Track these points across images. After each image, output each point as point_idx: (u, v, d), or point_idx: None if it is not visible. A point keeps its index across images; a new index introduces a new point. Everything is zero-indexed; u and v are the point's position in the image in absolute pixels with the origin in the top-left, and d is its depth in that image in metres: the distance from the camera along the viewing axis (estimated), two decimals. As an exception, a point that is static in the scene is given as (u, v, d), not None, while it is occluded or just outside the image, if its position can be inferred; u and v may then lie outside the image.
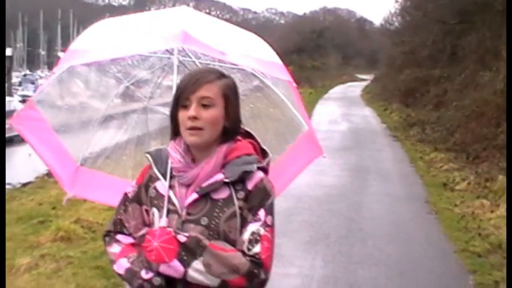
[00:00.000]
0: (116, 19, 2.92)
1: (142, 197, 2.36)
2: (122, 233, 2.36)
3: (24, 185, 12.72)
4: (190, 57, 2.84)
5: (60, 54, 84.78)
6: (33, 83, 72.73)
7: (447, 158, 15.73)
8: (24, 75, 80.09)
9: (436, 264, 7.40)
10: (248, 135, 2.37)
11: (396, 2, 39.56)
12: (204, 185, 2.22)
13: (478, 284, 6.61)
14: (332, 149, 16.14)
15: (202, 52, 2.59)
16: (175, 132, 2.31)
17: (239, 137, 2.32)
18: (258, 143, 2.37)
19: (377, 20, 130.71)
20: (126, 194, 2.42)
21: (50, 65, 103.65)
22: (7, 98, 41.77)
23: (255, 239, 2.18)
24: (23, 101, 47.15)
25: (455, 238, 8.44)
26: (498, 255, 7.58)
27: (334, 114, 28.42)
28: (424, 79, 27.63)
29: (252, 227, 2.20)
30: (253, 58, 2.63)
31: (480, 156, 14.00)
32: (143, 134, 3.04)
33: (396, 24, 42.82)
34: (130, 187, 2.43)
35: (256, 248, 2.17)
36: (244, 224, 2.22)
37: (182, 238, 2.15)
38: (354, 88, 53.73)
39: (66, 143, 2.91)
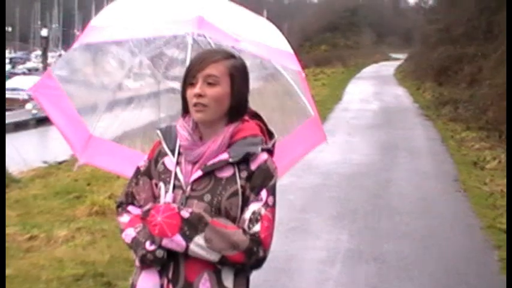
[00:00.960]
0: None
1: (152, 171, 2.42)
2: (133, 204, 2.42)
3: (60, 163, 13.00)
4: (205, 37, 2.86)
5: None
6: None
7: (479, 136, 15.67)
8: (60, 55, 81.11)
9: (462, 240, 7.50)
10: (255, 116, 2.41)
11: (431, -22, 39.27)
12: (209, 163, 2.28)
13: (502, 259, 6.61)
14: (362, 127, 16.23)
15: (217, 38, 2.59)
16: (185, 110, 2.37)
17: (246, 118, 2.36)
18: (265, 124, 2.41)
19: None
20: (138, 168, 2.48)
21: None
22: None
23: (255, 218, 2.23)
24: (60, 80, 48.20)
25: (482, 215, 8.48)
26: None
27: (366, 93, 28.37)
28: (458, 57, 27.32)
29: (254, 207, 2.25)
30: (266, 46, 2.67)
31: None
32: (154, 107, 3.12)
33: (431, 1, 42.40)
34: (142, 161, 2.49)
35: (257, 227, 2.22)
36: (246, 202, 2.27)
37: (185, 214, 2.22)
38: (387, 67, 53.16)
39: (79, 110, 2.96)
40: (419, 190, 10.07)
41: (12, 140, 27.27)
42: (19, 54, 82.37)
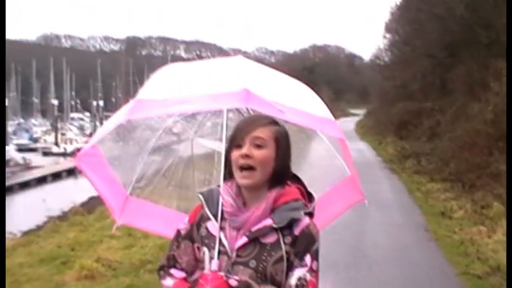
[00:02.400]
0: (176, 68, 2.90)
1: (194, 235, 2.41)
2: (175, 267, 2.41)
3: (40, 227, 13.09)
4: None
5: (53, 101, 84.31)
6: (27, 131, 72.67)
7: (443, 187, 15.95)
8: (18, 123, 80.00)
9: (439, 286, 7.75)
10: (296, 178, 2.42)
11: (385, 38, 40.29)
12: (254, 229, 2.27)
13: None
14: (330, 182, 16.53)
15: (263, 111, 2.52)
16: (229, 174, 2.37)
17: (287, 181, 2.37)
18: (305, 187, 2.42)
19: (366, 55, 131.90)
20: (179, 231, 2.46)
21: (44, 113, 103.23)
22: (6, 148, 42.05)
23: (301, 284, 2.22)
24: (19, 150, 47.37)
25: (455, 262, 8.75)
26: (497, 277, 7.92)
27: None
28: (417, 112, 27.89)
29: (299, 272, 2.24)
30: (308, 114, 2.65)
31: (475, 185, 14.16)
32: (187, 164, 3.12)
33: (386, 59, 42.98)
34: (182, 224, 2.47)
35: None
36: (290, 267, 2.25)
37: (233, 282, 2.21)
38: (348, 123, 53.53)
39: (117, 173, 2.98)
40: (393, 240, 10.33)
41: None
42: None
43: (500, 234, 10.01)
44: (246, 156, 2.25)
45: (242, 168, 2.26)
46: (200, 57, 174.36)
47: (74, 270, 8.18)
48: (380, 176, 20.21)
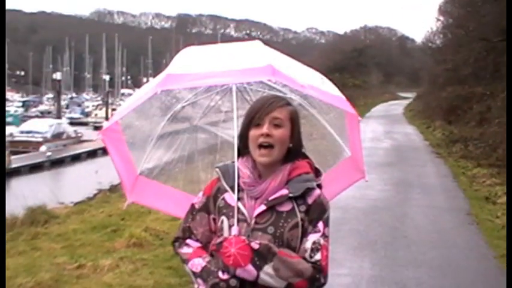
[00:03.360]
0: (199, 49, 3.01)
1: (210, 207, 2.52)
2: (191, 238, 2.52)
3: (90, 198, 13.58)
4: (242, 83, 2.98)
5: (105, 77, 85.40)
6: (79, 105, 74.08)
7: (490, 173, 15.83)
8: (71, 98, 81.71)
9: (476, 268, 7.86)
10: (304, 155, 2.56)
11: (438, 20, 39.46)
12: (271, 198, 2.41)
13: None
14: (376, 164, 16.56)
15: (287, 84, 2.73)
16: (243, 151, 2.52)
17: (297, 156, 2.53)
18: (313, 163, 2.56)
19: (418, 38, 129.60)
20: (193, 205, 2.57)
21: (95, 88, 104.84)
22: (56, 121, 42.90)
23: (316, 248, 2.37)
24: (71, 123, 48.39)
25: (495, 245, 8.79)
26: None
27: (376, 132, 28.61)
28: (467, 96, 27.65)
29: (313, 237, 2.39)
30: (323, 91, 2.81)
31: None
32: (192, 150, 3.17)
33: (438, 42, 42.23)
34: (196, 199, 2.58)
35: (317, 256, 2.36)
36: (305, 234, 2.40)
37: (255, 245, 2.33)
38: (396, 106, 53.18)
39: (131, 152, 3.01)
40: (433, 223, 10.42)
41: (29, 181, 27.92)
42: (31, 97, 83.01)
43: None
44: (267, 135, 2.39)
45: (261, 146, 2.41)
46: (250, 35, 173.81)
47: (123, 238, 8.55)
48: (426, 160, 20.16)
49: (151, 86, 2.82)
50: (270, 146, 2.40)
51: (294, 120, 2.48)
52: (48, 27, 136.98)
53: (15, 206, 11.86)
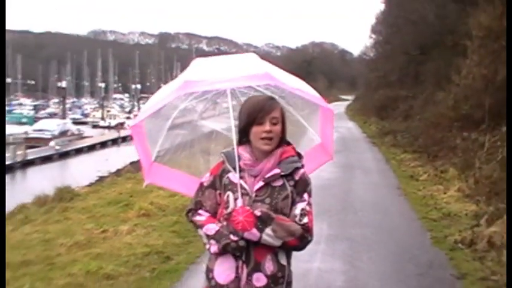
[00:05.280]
0: (206, 60, 2.93)
1: (216, 184, 2.52)
2: (201, 209, 2.53)
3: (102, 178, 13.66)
4: (233, 88, 2.84)
5: (100, 84, 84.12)
6: (80, 108, 73.27)
7: (413, 157, 16.02)
8: (73, 102, 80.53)
9: (405, 226, 8.20)
10: (288, 142, 2.56)
11: (370, 37, 40.29)
12: (267, 176, 2.43)
13: (433, 237, 7.40)
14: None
15: (283, 86, 2.71)
16: (242, 140, 2.51)
17: (284, 143, 2.54)
18: (295, 148, 2.56)
19: (355, 51, 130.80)
20: (202, 183, 2.57)
21: (92, 94, 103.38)
22: (62, 121, 42.54)
23: (303, 213, 2.41)
24: (74, 123, 47.90)
25: (418, 210, 9.22)
26: (447, 221, 8.40)
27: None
28: (394, 98, 27.76)
29: (301, 205, 2.42)
30: (308, 93, 2.85)
31: (437, 155, 14.20)
32: (193, 140, 3.15)
33: (371, 54, 42.62)
34: (204, 178, 2.57)
35: (305, 219, 2.40)
36: (293, 203, 2.42)
37: (258, 213, 2.35)
38: (339, 107, 52.91)
39: (148, 143, 2.97)
40: (372, 195, 10.76)
41: (43, 170, 27.74)
42: (40, 102, 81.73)
43: (453, 191, 10.33)
44: (269, 131, 2.43)
45: (264, 138, 2.44)
46: (219, 50, 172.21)
47: (134, 210, 8.71)
48: (364, 148, 20.41)
49: (171, 90, 2.79)
50: (271, 138, 2.45)
51: (283, 116, 2.53)
52: (53, 44, 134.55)
53: (37, 189, 11.89)
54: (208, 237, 2.43)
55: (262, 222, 2.34)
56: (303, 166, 2.50)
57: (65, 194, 10.57)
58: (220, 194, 2.50)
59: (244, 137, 2.50)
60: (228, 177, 2.48)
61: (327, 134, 3.06)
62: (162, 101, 2.80)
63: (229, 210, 2.41)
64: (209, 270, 2.48)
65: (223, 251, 2.39)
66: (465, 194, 10.04)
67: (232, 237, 2.36)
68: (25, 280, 5.25)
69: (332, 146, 3.11)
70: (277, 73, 2.71)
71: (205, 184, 2.54)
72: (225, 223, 2.41)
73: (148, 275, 5.59)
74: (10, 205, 11.13)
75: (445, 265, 6.25)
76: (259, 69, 2.64)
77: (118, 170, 17.75)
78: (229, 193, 2.45)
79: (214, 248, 2.41)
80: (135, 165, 16.89)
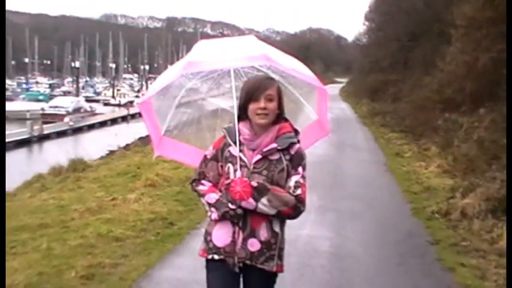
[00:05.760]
0: (209, 42, 2.91)
1: (218, 157, 2.52)
2: (204, 179, 2.56)
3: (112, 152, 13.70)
4: (238, 68, 2.83)
5: (111, 65, 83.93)
6: (92, 87, 72.96)
7: (400, 136, 16.16)
8: (86, 81, 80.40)
9: (388, 198, 8.38)
10: (285, 119, 2.56)
11: (364, 25, 39.88)
12: (265, 150, 2.44)
13: (413, 208, 7.58)
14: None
15: (279, 67, 2.67)
16: (242, 117, 2.52)
17: (282, 119, 2.55)
18: (292, 124, 2.57)
19: (350, 37, 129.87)
20: (205, 156, 2.57)
21: (104, 73, 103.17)
22: (76, 98, 42.53)
23: (297, 185, 2.42)
24: (87, 101, 47.89)
25: (401, 184, 9.38)
26: (427, 193, 8.55)
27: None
28: (385, 81, 27.76)
29: (295, 178, 2.43)
30: (304, 74, 2.81)
31: (421, 135, 14.32)
32: (199, 116, 3.16)
33: (364, 41, 42.23)
34: (208, 151, 2.58)
35: (298, 191, 2.41)
36: (289, 175, 2.43)
37: (254, 184, 2.38)
38: (334, 89, 52.65)
39: (158, 119, 2.94)
40: (361, 171, 10.89)
41: (58, 144, 27.91)
42: (55, 80, 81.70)
43: (433, 167, 10.43)
44: (264, 108, 2.45)
45: (259, 114, 2.46)
46: (222, 34, 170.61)
47: (141, 180, 8.78)
48: (356, 128, 20.42)
49: (176, 70, 2.77)
50: (266, 114, 2.46)
51: (280, 94, 2.52)
52: (68, 27, 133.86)
53: (53, 161, 12.02)
54: (210, 205, 2.46)
55: (259, 192, 2.36)
56: (298, 141, 2.51)
57: (78, 166, 10.68)
58: (222, 165, 2.51)
59: (244, 113, 2.50)
60: (229, 151, 2.49)
61: (322, 111, 3.06)
62: (168, 80, 2.80)
63: (228, 181, 2.42)
64: (208, 234, 2.52)
65: (222, 218, 2.43)
66: (444, 169, 10.16)
67: (230, 205, 2.39)
68: (43, 240, 5.42)
69: (328, 123, 3.10)
70: (274, 54, 2.67)
71: (208, 157, 2.55)
72: (224, 192, 2.44)
73: (153, 238, 5.75)
74: (28, 175, 11.31)
75: (422, 233, 6.42)
76: (256, 50, 2.62)
77: (127, 145, 17.78)
78: (230, 165, 2.46)
79: (214, 215, 2.45)
80: (143, 140, 17.03)
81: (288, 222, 2.54)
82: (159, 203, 7.38)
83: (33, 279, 4.26)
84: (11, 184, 9.61)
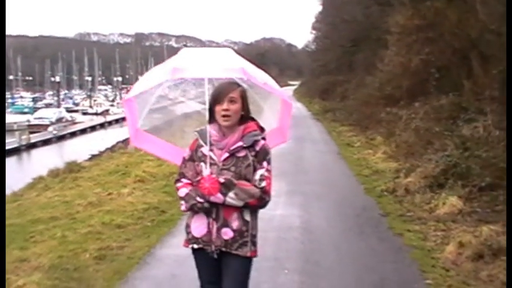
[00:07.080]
0: (194, 50, 2.79)
1: (194, 157, 2.48)
2: (184, 178, 2.50)
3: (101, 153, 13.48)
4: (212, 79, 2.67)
5: (87, 78, 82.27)
6: (71, 98, 71.36)
7: (349, 129, 16.43)
8: (65, 93, 78.30)
9: (344, 181, 8.67)
10: (252, 119, 2.51)
11: (311, 33, 40.36)
12: (232, 148, 2.39)
13: (365, 188, 7.89)
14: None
15: (254, 81, 2.55)
16: (211, 119, 2.45)
17: (249, 120, 2.47)
18: (259, 123, 2.50)
19: (299, 44, 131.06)
20: (184, 157, 2.51)
21: (81, 86, 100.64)
22: (58, 109, 41.59)
23: (262, 178, 2.37)
24: (67, 111, 46.84)
25: (354, 169, 9.68)
26: (375, 176, 8.85)
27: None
28: (333, 82, 28.01)
29: (260, 172, 2.38)
30: (272, 87, 2.69)
31: (367, 127, 14.57)
32: (173, 117, 3.10)
33: (313, 47, 42.54)
34: (185, 153, 2.51)
35: (263, 183, 2.36)
36: (255, 170, 2.38)
37: (222, 180, 2.33)
38: (288, 90, 52.83)
39: (137, 113, 2.79)
40: (319, 160, 11.19)
41: (44, 151, 27.32)
42: (38, 94, 79.45)
43: (380, 154, 10.69)
44: (226, 110, 2.38)
45: (223, 116, 2.40)
46: (186, 46, 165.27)
47: (131, 177, 8.84)
48: (310, 123, 20.68)
49: (161, 73, 2.61)
50: (228, 116, 2.40)
51: (244, 97, 2.46)
52: (47, 46, 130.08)
53: (44, 166, 11.69)
54: (180, 198, 2.44)
55: (226, 187, 2.32)
56: (264, 138, 2.45)
57: (73, 167, 10.60)
58: (197, 165, 2.46)
59: (212, 116, 2.45)
60: (201, 151, 2.45)
61: (284, 121, 2.98)
62: (154, 82, 2.66)
63: (198, 178, 2.40)
64: (187, 226, 2.49)
65: (190, 210, 2.41)
66: (389, 155, 10.43)
67: (198, 199, 2.36)
68: (56, 230, 5.52)
69: (288, 131, 3.01)
70: (250, 68, 2.59)
71: (186, 158, 2.52)
72: (195, 188, 2.41)
73: (150, 224, 5.91)
74: (25, 179, 11.10)
75: (374, 207, 6.76)
76: (236, 63, 2.53)
77: (112, 147, 17.54)
78: (202, 164, 2.42)
79: (183, 207, 2.43)
80: (124, 143, 16.82)
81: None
82: (149, 195, 7.47)
83: (55, 261, 4.41)
84: (11, 187, 9.41)
